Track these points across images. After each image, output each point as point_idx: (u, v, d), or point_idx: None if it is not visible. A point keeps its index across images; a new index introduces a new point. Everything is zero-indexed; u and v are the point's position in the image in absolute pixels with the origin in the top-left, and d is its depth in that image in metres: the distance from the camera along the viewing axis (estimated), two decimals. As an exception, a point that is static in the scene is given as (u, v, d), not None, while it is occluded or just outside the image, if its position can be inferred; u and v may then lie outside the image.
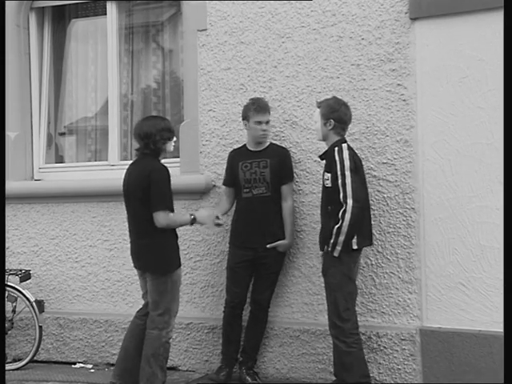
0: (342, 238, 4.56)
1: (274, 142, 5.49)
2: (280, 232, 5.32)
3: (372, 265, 5.27)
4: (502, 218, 4.54)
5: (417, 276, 5.15)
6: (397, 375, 5.20)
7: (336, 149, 4.71)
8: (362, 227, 4.71)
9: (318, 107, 4.87)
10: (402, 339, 5.17)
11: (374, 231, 5.17)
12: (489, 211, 4.92)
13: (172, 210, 4.86)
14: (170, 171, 5.54)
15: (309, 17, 5.45)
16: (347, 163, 4.61)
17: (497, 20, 4.80)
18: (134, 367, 4.94)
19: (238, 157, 5.43)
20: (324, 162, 4.89)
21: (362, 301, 5.27)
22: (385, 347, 5.22)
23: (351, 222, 4.53)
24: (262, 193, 5.29)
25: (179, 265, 4.91)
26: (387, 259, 5.24)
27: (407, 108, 5.17)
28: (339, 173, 4.60)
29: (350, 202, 4.52)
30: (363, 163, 4.99)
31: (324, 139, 4.86)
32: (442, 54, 5.05)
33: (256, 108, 5.30)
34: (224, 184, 5.54)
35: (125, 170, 5.03)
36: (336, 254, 4.62)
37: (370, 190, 5.13)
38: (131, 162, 5.09)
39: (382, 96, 5.23)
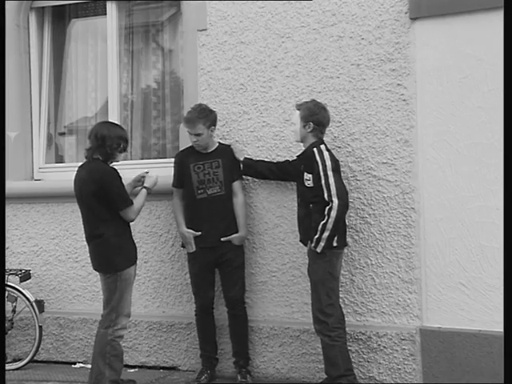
0: (326, 234, 4.72)
1: (220, 140, 5.56)
2: (234, 227, 5.38)
3: (372, 265, 5.27)
4: (502, 218, 4.54)
5: (417, 276, 5.15)
6: (397, 375, 5.20)
7: (315, 150, 4.86)
8: (341, 226, 4.84)
9: (298, 110, 5.00)
10: (402, 339, 5.17)
11: (373, 231, 5.21)
12: (489, 211, 4.92)
13: (132, 203, 4.95)
14: (170, 171, 5.56)
15: (309, 17, 5.45)
16: (329, 163, 4.78)
17: (497, 20, 4.80)
18: None
19: (187, 159, 5.43)
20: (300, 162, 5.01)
21: (362, 301, 5.27)
22: (385, 347, 5.22)
23: (337, 219, 4.70)
24: (216, 192, 5.34)
25: (132, 263, 4.94)
26: (387, 259, 5.24)
27: (407, 108, 5.17)
28: (322, 173, 4.77)
29: (335, 200, 4.70)
30: (363, 163, 5.20)
31: (302, 141, 5.02)
32: (442, 54, 5.05)
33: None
34: (175, 186, 5.51)
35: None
36: (319, 249, 4.76)
37: (370, 189, 5.23)
38: (81, 164, 5.05)
39: (382, 96, 5.23)
